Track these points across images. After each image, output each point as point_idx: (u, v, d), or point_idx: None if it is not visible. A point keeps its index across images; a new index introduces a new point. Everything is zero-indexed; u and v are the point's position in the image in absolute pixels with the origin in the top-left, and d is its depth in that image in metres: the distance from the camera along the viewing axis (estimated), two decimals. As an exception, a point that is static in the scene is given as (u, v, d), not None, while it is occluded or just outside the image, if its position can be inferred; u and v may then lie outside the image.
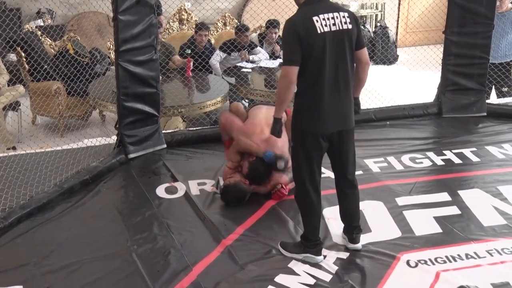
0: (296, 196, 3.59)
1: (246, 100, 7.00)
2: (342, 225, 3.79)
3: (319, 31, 3.20)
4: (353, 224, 3.70)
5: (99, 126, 6.94)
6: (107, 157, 5.10)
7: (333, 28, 3.23)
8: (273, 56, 7.49)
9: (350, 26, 3.28)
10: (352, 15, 3.33)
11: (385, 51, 9.52)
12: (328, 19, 3.22)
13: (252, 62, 7.24)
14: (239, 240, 3.91)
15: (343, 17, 3.27)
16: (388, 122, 5.84)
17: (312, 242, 3.60)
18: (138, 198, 4.53)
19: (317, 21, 3.20)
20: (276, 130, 3.43)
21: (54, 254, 3.77)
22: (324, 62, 3.22)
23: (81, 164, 4.90)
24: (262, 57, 7.35)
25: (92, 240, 3.93)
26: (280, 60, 7.46)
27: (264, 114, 4.52)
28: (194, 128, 5.86)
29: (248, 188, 4.33)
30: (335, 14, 3.25)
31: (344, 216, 3.71)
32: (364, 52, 3.42)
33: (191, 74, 6.66)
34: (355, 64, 3.40)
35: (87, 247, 3.84)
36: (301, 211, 3.63)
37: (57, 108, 6.51)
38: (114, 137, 5.42)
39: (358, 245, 3.71)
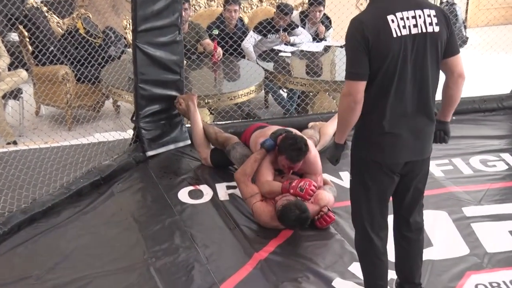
0: (356, 245, 3.36)
1: (285, 90, 7.01)
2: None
3: (395, 35, 2.91)
4: (413, 281, 3.43)
5: (113, 118, 6.94)
6: (121, 155, 5.13)
7: (414, 31, 2.94)
8: (317, 38, 7.46)
9: (437, 28, 2.97)
10: (441, 13, 3.02)
11: (452, 31, 9.39)
12: (408, 18, 2.93)
13: (292, 45, 7.22)
14: (275, 254, 3.92)
15: (428, 15, 2.96)
16: (454, 117, 5.70)
17: None
18: (157, 203, 4.56)
19: (393, 21, 2.91)
20: (335, 158, 3.25)
21: (60, 266, 3.81)
22: (399, 75, 2.97)
23: (92, 163, 4.95)
24: (304, 39, 7.32)
25: (103, 252, 3.96)
26: (325, 43, 7.45)
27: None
28: (223, 122, 5.89)
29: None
30: (418, 12, 2.95)
31: (400, 269, 3.44)
32: (457, 62, 3.09)
33: (218, 59, 6.68)
34: (446, 77, 3.15)
35: (98, 260, 3.87)
36: (362, 265, 3.36)
37: (65, 97, 6.54)
38: (130, 132, 5.45)
39: None
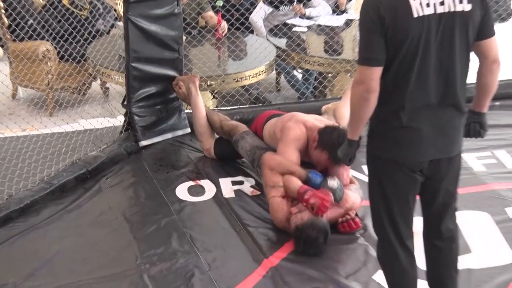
0: (378, 255, 3.36)
1: (299, 71, 7.00)
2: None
3: (415, 15, 2.88)
4: None
5: (101, 102, 6.89)
6: (110, 145, 5.16)
7: (440, 10, 2.89)
8: (337, 10, 7.45)
9: (468, 7, 2.92)
10: None
11: (495, 3, 9.32)
12: None
13: (309, 18, 7.24)
14: (288, 260, 3.92)
15: None
16: (497, 103, 5.73)
17: None
18: (152, 200, 4.58)
19: None
20: (348, 156, 3.23)
21: (40, 273, 3.80)
22: (421, 60, 2.95)
23: (77, 153, 4.96)
24: (322, 12, 7.32)
25: (89, 256, 3.97)
26: (346, 16, 7.43)
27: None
28: (228, 108, 5.91)
29: (327, 222, 4.17)
30: None
31: (432, 281, 3.41)
32: (491, 45, 3.03)
33: (222, 35, 6.70)
34: (479, 62, 3.09)
35: (83, 266, 3.87)
36: (386, 277, 3.36)
37: (46, 78, 6.51)
38: (121, 118, 5.47)
39: None
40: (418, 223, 3.26)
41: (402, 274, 3.25)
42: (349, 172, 4.49)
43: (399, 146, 3.05)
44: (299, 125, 4.46)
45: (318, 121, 4.55)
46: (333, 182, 4.14)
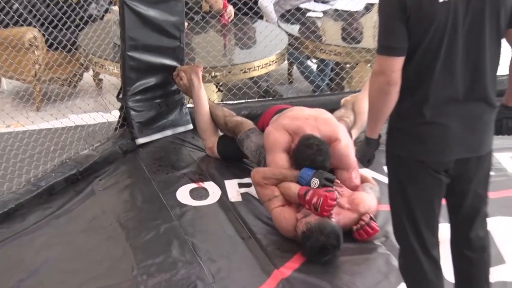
0: (400, 266, 3.34)
1: (314, 61, 7.00)
2: None
3: None
4: None
5: (94, 95, 6.85)
6: (104, 143, 5.16)
7: None
8: (356, -7, 7.42)
9: None
10: None
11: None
12: None
13: (324, 2, 7.26)
14: (301, 272, 3.90)
15: None
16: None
17: None
18: (150, 204, 4.58)
19: None
20: (366, 157, 3.25)
21: (26, 284, 3.79)
22: (447, 49, 2.94)
23: (67, 152, 4.98)
24: (339, -5, 7.30)
25: (80, 266, 3.95)
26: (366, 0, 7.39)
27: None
28: (235, 102, 5.93)
29: (337, 224, 4.14)
30: None
31: None
32: None
33: (228, 21, 6.70)
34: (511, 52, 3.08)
35: (74, 277, 3.85)
36: None
37: (33, 68, 6.52)
38: (116, 113, 5.48)
39: None
40: (445, 230, 3.24)
41: (426, 287, 3.22)
42: (358, 172, 4.53)
43: (422, 144, 3.04)
44: (278, 130, 4.53)
45: (315, 120, 4.58)
46: (315, 180, 4.18)
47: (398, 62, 2.91)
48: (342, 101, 5.33)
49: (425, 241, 3.15)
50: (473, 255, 3.26)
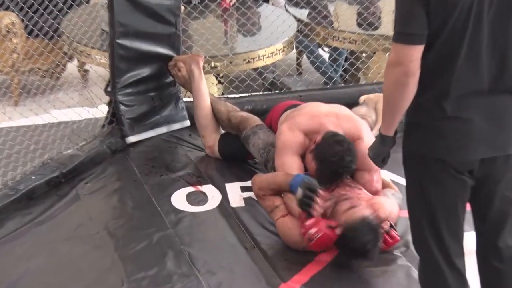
0: (420, 278, 3.38)
1: (326, 49, 7.11)
2: None
3: None
4: None
5: (79, 88, 6.79)
6: (90, 141, 5.15)
7: None
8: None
9: None
10: None
11: None
12: None
13: (338, -17, 7.24)
14: (310, 286, 3.89)
15: None
16: None
17: None
18: (142, 210, 4.56)
19: None
20: (380, 156, 3.28)
21: (4, 298, 3.77)
22: (471, 36, 2.95)
23: (48, 152, 4.97)
24: (354, -24, 7.31)
25: (65, 278, 3.93)
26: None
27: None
28: (237, 95, 5.90)
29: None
30: None
31: None
32: None
33: (230, 4, 6.73)
34: None
35: (58, 290, 3.83)
36: None
37: (10, 58, 6.58)
38: (104, 108, 5.48)
39: None
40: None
41: None
42: (380, 175, 4.51)
43: (443, 140, 3.06)
44: (292, 130, 4.49)
45: (336, 117, 4.57)
46: (299, 191, 4.09)
47: (417, 51, 2.93)
48: (363, 98, 5.32)
49: (448, 250, 3.16)
50: (502, 266, 3.25)
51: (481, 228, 3.25)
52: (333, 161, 4.22)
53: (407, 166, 3.21)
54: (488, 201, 3.16)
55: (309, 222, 4.01)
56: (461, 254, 3.20)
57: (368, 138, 4.46)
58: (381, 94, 5.00)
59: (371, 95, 5.31)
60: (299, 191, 4.08)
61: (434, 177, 3.11)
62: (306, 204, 4.04)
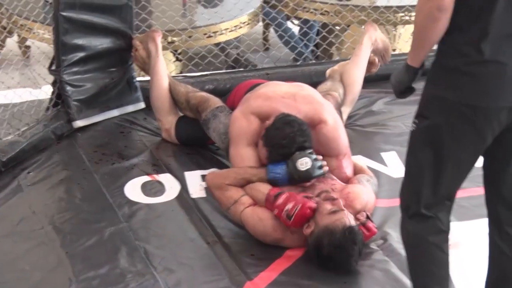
0: (402, 231, 3.35)
1: (295, 22, 7.13)
2: None
3: None
4: None
5: (19, 67, 6.54)
6: (33, 126, 5.07)
7: None
8: None
9: None
10: None
11: None
12: None
13: None
14: (279, 284, 3.88)
15: None
16: None
17: None
18: (92, 202, 4.52)
19: None
20: (402, 85, 3.26)
21: None
22: None
23: (-14, 138, 4.78)
24: None
25: (6, 279, 3.90)
26: None
27: None
28: (197, 74, 5.89)
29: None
30: None
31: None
32: None
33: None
34: None
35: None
36: (410, 261, 3.36)
37: None
38: (48, 89, 5.39)
39: None
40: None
41: (434, 251, 3.27)
42: (351, 160, 4.53)
43: (475, 84, 3.08)
44: (245, 115, 4.42)
45: (293, 98, 4.49)
46: (302, 161, 4.10)
47: None
48: (328, 72, 5.32)
49: (437, 205, 3.23)
50: (509, 248, 3.29)
51: (495, 203, 3.29)
52: (283, 144, 4.18)
53: (425, 112, 3.21)
54: (505, 162, 3.23)
55: (280, 199, 4.01)
56: (448, 211, 3.27)
57: (331, 120, 4.44)
58: (345, 62, 5.49)
59: (335, 66, 5.35)
60: (307, 160, 4.11)
61: (455, 127, 3.13)
62: (319, 167, 4.12)
